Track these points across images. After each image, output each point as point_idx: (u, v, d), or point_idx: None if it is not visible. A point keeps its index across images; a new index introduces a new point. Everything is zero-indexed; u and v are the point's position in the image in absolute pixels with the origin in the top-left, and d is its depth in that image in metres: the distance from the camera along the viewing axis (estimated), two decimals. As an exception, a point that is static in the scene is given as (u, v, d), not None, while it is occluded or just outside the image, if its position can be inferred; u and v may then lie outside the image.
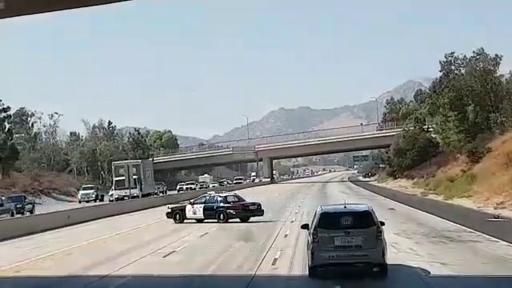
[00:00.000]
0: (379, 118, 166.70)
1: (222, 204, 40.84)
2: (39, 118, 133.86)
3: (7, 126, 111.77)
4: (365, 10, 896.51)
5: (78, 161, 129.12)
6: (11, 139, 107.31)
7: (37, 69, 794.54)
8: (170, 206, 44.88)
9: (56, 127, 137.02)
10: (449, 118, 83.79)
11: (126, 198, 73.72)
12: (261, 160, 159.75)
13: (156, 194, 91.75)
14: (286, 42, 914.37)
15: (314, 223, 18.81)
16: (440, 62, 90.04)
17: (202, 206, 41.34)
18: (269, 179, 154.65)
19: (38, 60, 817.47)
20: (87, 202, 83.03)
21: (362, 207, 20.14)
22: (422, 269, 19.92)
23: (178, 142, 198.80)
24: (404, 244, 26.10)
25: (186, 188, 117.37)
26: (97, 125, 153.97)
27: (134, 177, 77.99)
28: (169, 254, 25.63)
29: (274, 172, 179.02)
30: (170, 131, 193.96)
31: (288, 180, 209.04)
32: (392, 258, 21.10)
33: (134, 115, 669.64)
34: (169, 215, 42.68)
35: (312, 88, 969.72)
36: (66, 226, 43.46)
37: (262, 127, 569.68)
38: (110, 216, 52.22)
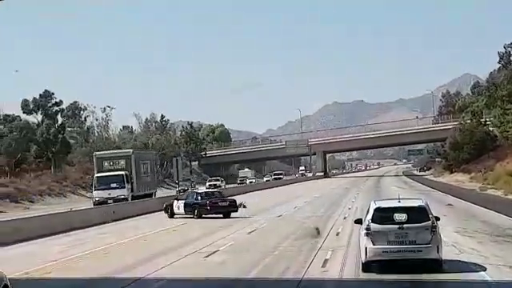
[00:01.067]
0: (435, 112, 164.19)
1: (197, 200, 42.62)
2: (92, 112, 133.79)
3: (60, 120, 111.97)
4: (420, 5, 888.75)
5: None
6: (63, 133, 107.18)
7: (91, 62, 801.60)
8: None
9: (108, 120, 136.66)
10: (507, 111, 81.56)
11: (109, 200, 58.03)
12: (314, 154, 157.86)
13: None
14: (342, 36, 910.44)
15: (368, 218, 18.50)
16: (498, 53, 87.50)
17: (184, 202, 43.42)
18: (322, 173, 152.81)
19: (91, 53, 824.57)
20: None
21: (416, 202, 19.48)
22: (488, 273, 18.14)
23: (232, 136, 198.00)
24: (466, 244, 24.19)
25: (210, 185, 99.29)
26: (149, 119, 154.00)
27: (122, 172, 62.26)
28: (211, 254, 24.02)
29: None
30: (222, 125, 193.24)
31: (341, 174, 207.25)
32: (453, 259, 19.96)
33: (188, 109, 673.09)
34: (164, 210, 45.75)
35: (366, 81, 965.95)
36: (112, 221, 42.93)
37: (316, 121, 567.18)
38: (157, 211, 50.72)
